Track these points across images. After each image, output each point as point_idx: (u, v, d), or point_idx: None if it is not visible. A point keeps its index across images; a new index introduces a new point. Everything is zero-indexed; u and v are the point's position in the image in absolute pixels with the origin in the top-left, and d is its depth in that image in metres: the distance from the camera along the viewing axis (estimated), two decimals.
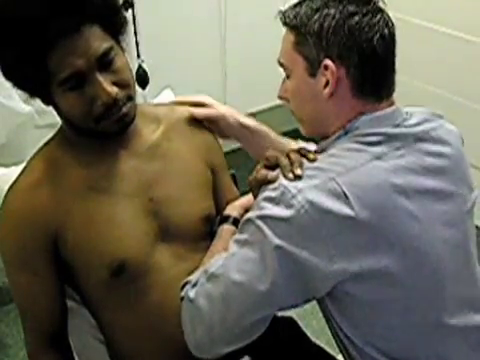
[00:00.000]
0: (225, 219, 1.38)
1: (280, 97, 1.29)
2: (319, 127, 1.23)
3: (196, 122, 1.49)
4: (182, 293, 1.22)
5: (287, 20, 1.23)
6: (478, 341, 1.23)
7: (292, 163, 1.15)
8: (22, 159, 1.47)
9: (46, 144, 1.36)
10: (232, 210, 1.40)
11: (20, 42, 1.14)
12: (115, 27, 1.25)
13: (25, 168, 1.33)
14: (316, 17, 1.17)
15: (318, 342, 1.54)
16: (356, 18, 1.15)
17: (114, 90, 1.21)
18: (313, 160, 1.15)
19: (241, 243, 1.15)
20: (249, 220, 1.14)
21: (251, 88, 2.65)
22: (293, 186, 1.10)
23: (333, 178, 1.10)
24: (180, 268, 1.35)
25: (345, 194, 1.08)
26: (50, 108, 2.03)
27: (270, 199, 1.12)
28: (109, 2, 1.23)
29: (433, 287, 1.16)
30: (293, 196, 1.09)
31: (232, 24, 2.46)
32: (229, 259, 1.15)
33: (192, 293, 1.18)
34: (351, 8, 1.16)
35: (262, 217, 1.11)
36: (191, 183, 1.40)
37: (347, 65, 1.16)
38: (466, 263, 1.23)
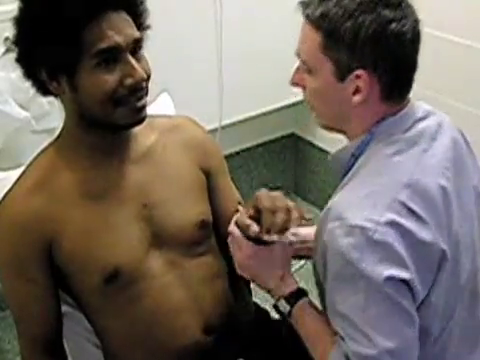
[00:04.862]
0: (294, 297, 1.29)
1: (295, 83, 1.26)
2: (337, 125, 1.25)
3: (191, 126, 1.49)
4: None
5: (312, 18, 1.19)
6: (476, 338, 1.27)
7: (272, 226, 1.18)
8: (19, 164, 1.47)
9: (43, 151, 1.36)
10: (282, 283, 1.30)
11: (63, 9, 1.16)
12: (143, 28, 1.29)
13: (22, 174, 1.33)
14: (349, 24, 1.13)
15: None
16: (392, 26, 1.13)
17: (144, 72, 1.24)
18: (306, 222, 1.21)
19: (361, 307, 1.12)
20: (353, 277, 1.12)
21: (249, 92, 2.65)
22: (369, 221, 1.10)
23: (396, 198, 1.12)
24: (173, 275, 1.35)
25: (413, 211, 1.12)
26: (47, 113, 2.06)
27: (355, 246, 1.10)
28: (144, 8, 1.30)
29: (459, 278, 1.21)
30: (375, 231, 1.10)
31: (229, 26, 2.46)
32: (362, 331, 1.12)
33: None
34: (386, 14, 1.13)
35: (361, 270, 1.10)
36: (185, 189, 1.39)
37: (380, 73, 1.15)
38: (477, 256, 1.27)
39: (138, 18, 1.27)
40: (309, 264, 2.64)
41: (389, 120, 1.19)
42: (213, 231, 1.43)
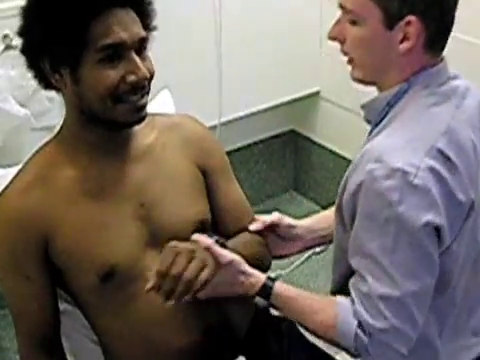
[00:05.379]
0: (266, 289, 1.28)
1: (333, 37, 1.28)
2: (376, 75, 1.27)
3: (191, 124, 1.47)
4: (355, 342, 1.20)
5: None
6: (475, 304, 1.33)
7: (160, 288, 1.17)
8: (18, 162, 1.47)
9: (42, 147, 1.36)
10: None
11: (71, 2, 1.17)
12: (150, 28, 1.30)
13: (19, 171, 1.33)
14: None
15: (316, 342, 1.53)
16: None
17: (147, 71, 1.24)
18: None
19: (390, 250, 1.15)
20: (387, 220, 1.15)
21: (248, 88, 2.65)
22: (410, 165, 1.13)
23: (434, 145, 1.16)
24: None
25: (449, 158, 1.16)
26: (46, 111, 2.06)
27: (395, 189, 1.13)
28: (152, 8, 1.31)
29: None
30: (415, 175, 1.13)
31: (228, 23, 2.46)
32: (388, 273, 1.16)
33: (378, 325, 1.17)
34: None
35: (398, 213, 1.13)
36: (184, 188, 1.38)
37: (428, 21, 1.18)
38: None
39: (145, 18, 1.28)
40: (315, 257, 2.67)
41: (427, 72, 1.23)
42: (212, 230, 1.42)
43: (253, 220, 1.46)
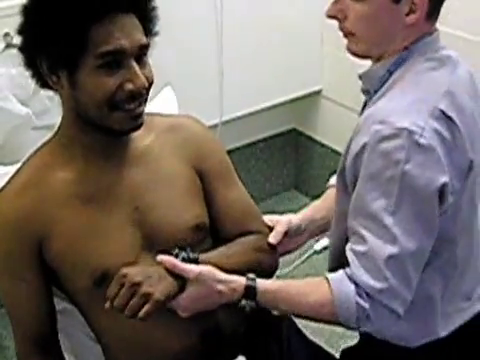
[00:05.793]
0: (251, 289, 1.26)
1: (332, 16, 1.29)
2: (378, 48, 1.28)
3: (191, 125, 1.45)
4: (357, 310, 1.20)
5: None
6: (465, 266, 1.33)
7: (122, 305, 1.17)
8: (19, 160, 1.47)
9: (38, 149, 1.35)
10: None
11: (72, 4, 1.16)
12: (151, 34, 1.29)
13: (15, 173, 1.33)
14: None
15: (316, 341, 1.53)
16: None
17: (146, 80, 1.23)
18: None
19: (392, 208, 1.17)
20: (391, 179, 1.16)
21: (249, 87, 2.65)
22: (415, 125, 1.15)
23: (436, 106, 1.19)
24: None
25: (451, 118, 1.19)
26: (47, 110, 2.05)
27: (402, 148, 1.14)
28: (155, 14, 1.29)
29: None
30: (421, 135, 1.15)
31: (229, 22, 2.46)
32: (390, 232, 1.17)
33: (378, 285, 1.18)
34: None
35: (403, 171, 1.15)
36: (180, 191, 1.36)
37: None
38: None
39: (148, 23, 1.26)
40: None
41: (426, 39, 1.26)
42: (209, 234, 1.40)
43: (266, 225, 1.45)
